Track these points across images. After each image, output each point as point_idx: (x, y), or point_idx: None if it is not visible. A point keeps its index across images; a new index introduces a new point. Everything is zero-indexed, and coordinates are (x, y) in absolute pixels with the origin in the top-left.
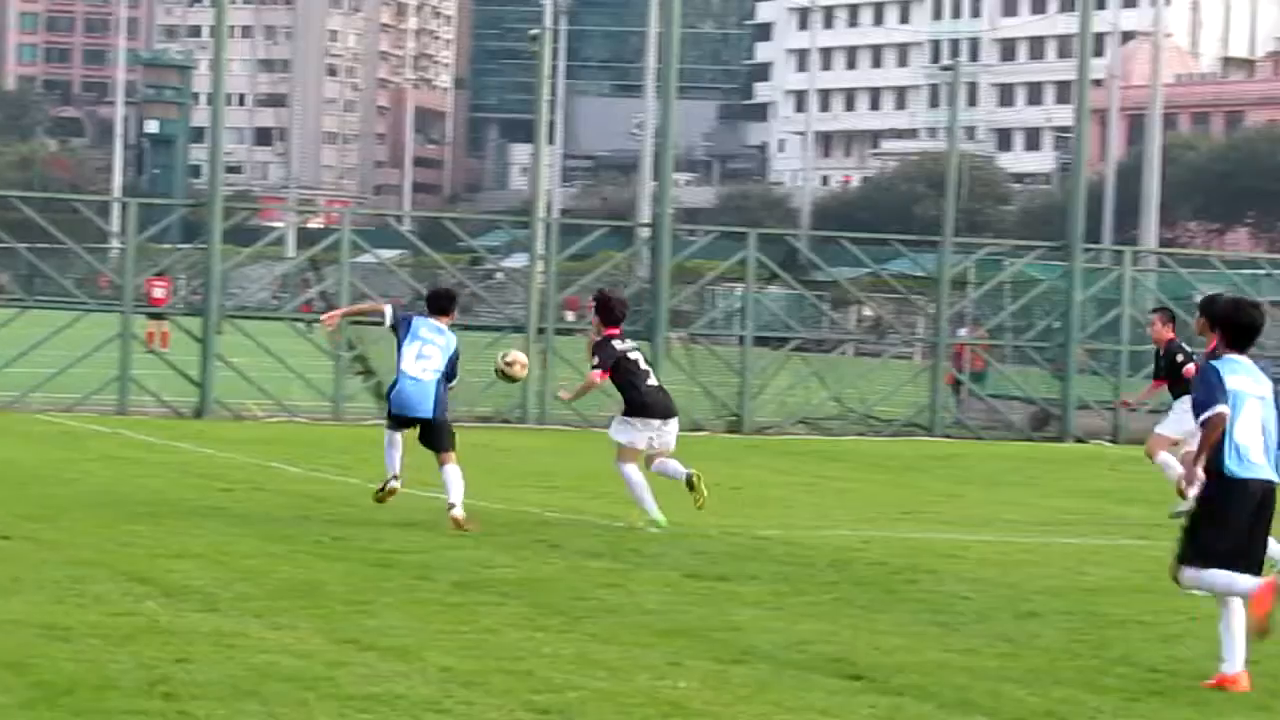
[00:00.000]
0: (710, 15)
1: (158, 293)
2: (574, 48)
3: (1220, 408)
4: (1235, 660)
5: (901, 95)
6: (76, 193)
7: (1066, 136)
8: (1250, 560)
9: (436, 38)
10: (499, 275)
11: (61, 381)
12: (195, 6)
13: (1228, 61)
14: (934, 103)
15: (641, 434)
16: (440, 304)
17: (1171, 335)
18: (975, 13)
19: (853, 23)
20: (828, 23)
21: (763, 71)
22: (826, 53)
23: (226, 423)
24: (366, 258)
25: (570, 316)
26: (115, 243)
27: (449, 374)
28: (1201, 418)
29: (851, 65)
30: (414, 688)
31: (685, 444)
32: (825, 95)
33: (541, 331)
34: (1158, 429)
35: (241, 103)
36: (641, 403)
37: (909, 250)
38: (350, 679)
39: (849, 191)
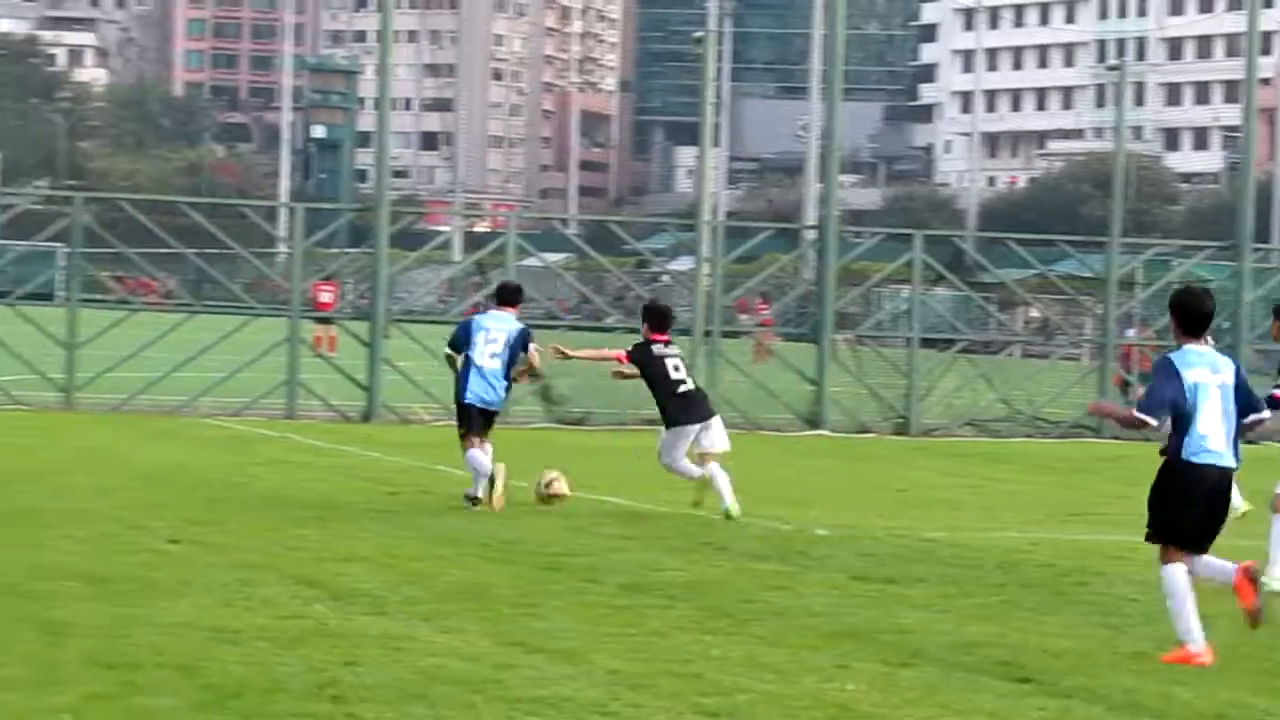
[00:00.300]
0: (875, 16)
1: (325, 297)
2: (739, 50)
3: (1151, 418)
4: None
5: (1068, 95)
6: (244, 198)
7: (1234, 136)
8: (1204, 540)
9: (601, 41)
10: (665, 278)
11: (230, 386)
12: (361, 12)
13: None
14: (1100, 103)
15: (682, 445)
16: (506, 296)
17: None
18: (1141, 12)
19: (1018, 23)
20: (993, 23)
21: (928, 72)
22: (992, 53)
23: (393, 426)
24: (532, 261)
25: (744, 319)
26: (282, 248)
27: (512, 359)
28: (1138, 412)
29: (1017, 66)
30: (581, 690)
31: (851, 446)
32: (991, 96)
33: (708, 334)
34: None
35: (407, 107)
36: (673, 413)
37: (1076, 251)
38: (518, 681)
39: (1015, 192)
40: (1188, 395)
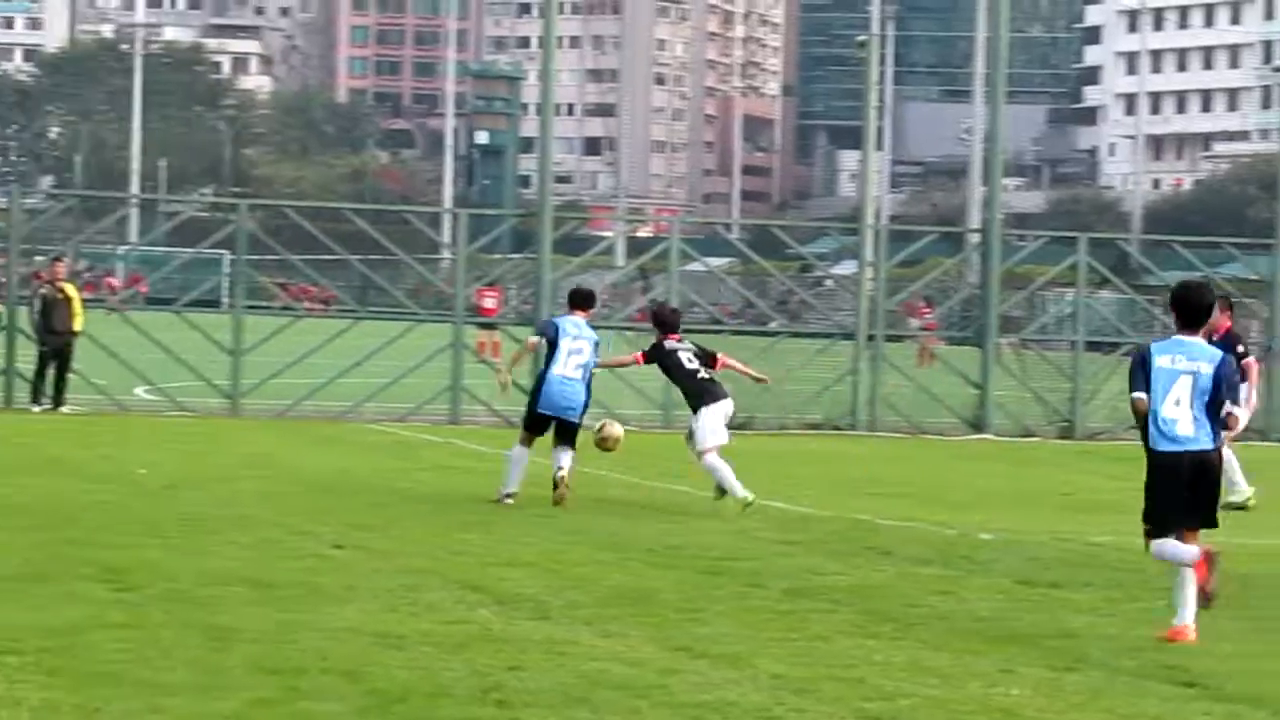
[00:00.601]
0: (1039, 19)
1: (488, 303)
2: (901, 53)
3: (1136, 395)
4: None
5: (1233, 97)
6: (407, 204)
7: None
8: (1190, 520)
9: (764, 45)
10: (828, 282)
11: (394, 392)
12: (524, 18)
13: None
14: (1266, 104)
15: (718, 423)
16: (581, 300)
17: (1230, 324)
18: None
19: (1183, 24)
20: (1157, 24)
21: (1092, 75)
22: (1156, 55)
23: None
24: (695, 266)
25: (914, 323)
26: (446, 253)
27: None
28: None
29: (1182, 67)
30: (745, 695)
31: (1016, 450)
32: (1156, 98)
33: (871, 338)
34: None
35: (570, 113)
36: (698, 397)
37: (1241, 253)
38: (682, 686)
39: (1180, 195)
40: (1151, 382)
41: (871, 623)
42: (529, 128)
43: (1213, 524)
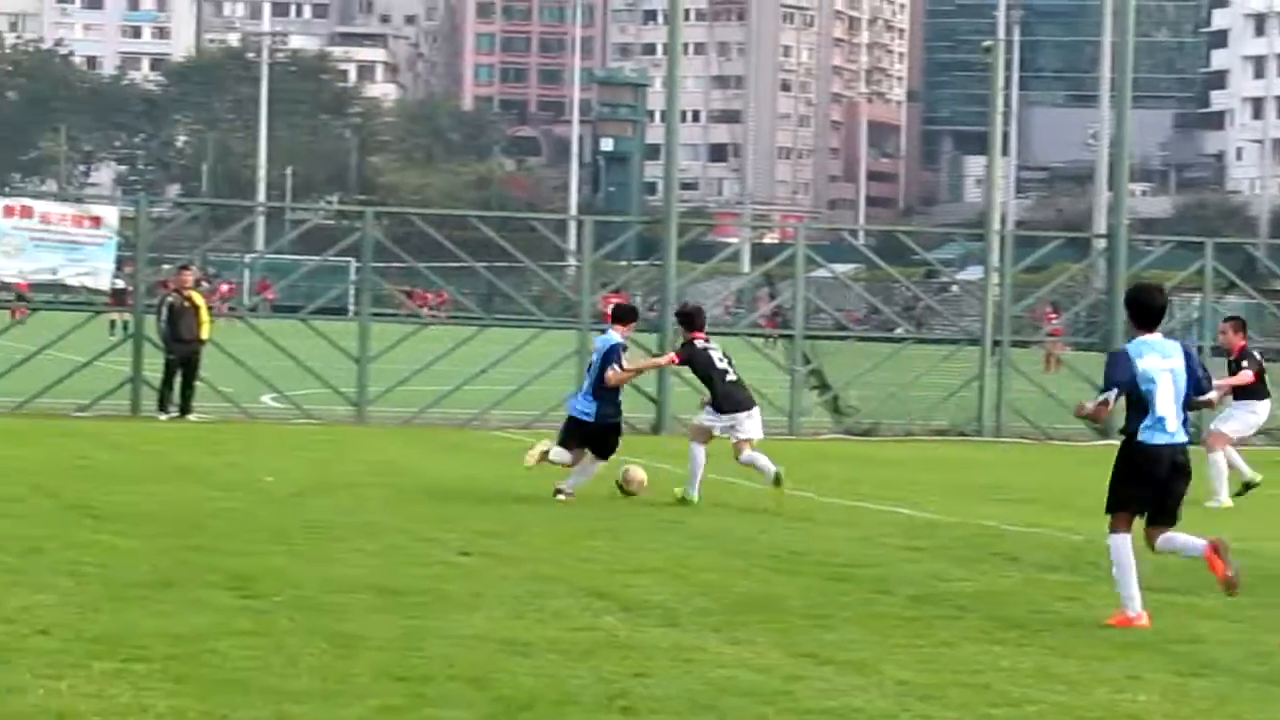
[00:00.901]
0: (1165, 23)
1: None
2: (1027, 58)
3: (1108, 394)
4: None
5: None
6: (533, 211)
7: None
8: (1162, 512)
9: (889, 51)
10: (954, 288)
11: (520, 399)
12: (649, 24)
13: None
14: None
15: (717, 423)
16: (616, 314)
17: (1244, 342)
18: None
19: None
20: (1266, 31)
21: (1219, 79)
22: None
23: (682, 438)
24: (821, 272)
25: (1041, 329)
26: (571, 261)
27: (599, 373)
28: (1102, 396)
29: None
30: (871, 701)
31: None
32: (1271, 102)
33: (997, 344)
34: (1220, 427)
35: (696, 119)
36: (722, 394)
37: None
38: (808, 693)
39: None
40: (1142, 381)
41: (998, 629)
42: (654, 134)
43: (1175, 521)
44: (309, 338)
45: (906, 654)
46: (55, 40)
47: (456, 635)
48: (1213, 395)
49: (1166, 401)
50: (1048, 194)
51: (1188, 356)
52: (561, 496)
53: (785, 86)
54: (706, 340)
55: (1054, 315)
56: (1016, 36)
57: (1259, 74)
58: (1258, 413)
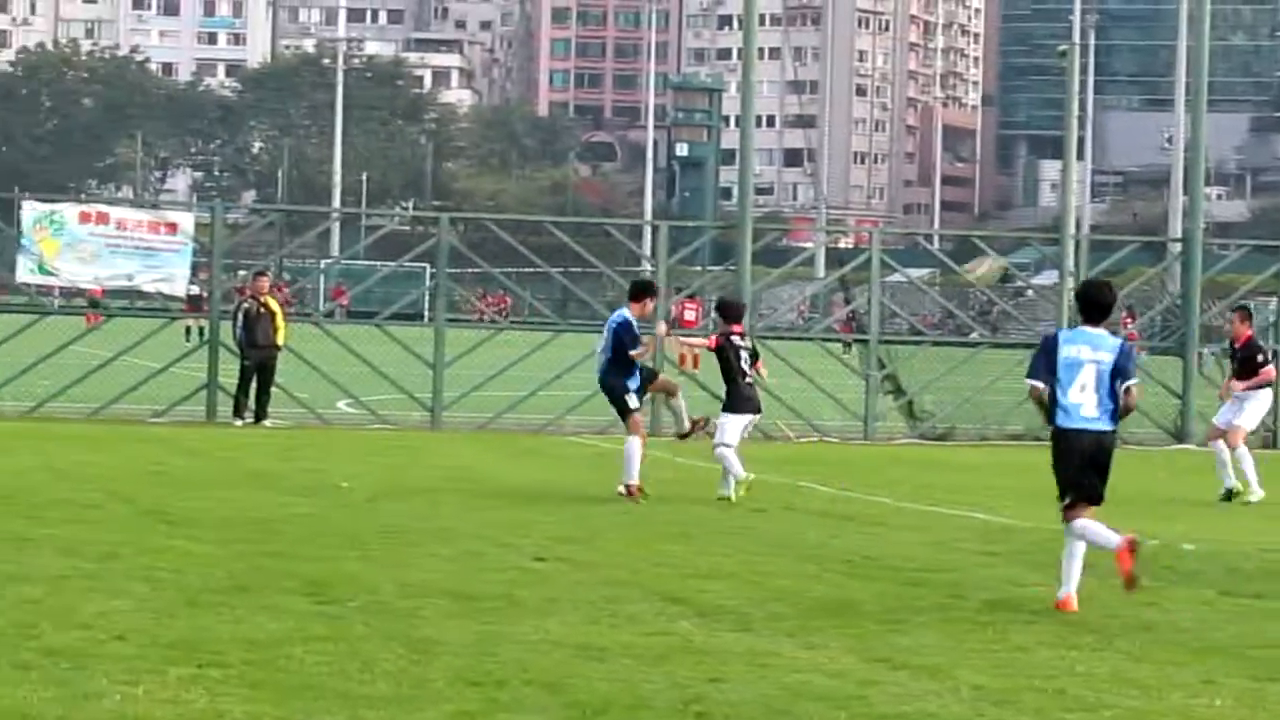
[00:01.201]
0: (1241, 27)
1: (689, 315)
2: (1102, 62)
3: (1032, 382)
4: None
5: None
6: (608, 217)
7: None
8: (1083, 492)
9: (964, 55)
10: (1029, 293)
11: (594, 404)
12: (724, 29)
13: None
14: None
15: (739, 431)
16: (631, 292)
17: (1250, 332)
18: None
19: None
20: None
21: None
22: None
23: (757, 443)
24: (896, 277)
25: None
26: (647, 266)
27: (616, 347)
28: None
29: None
30: (946, 706)
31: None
32: None
33: None
34: (1235, 421)
35: (770, 124)
36: (738, 396)
37: None
38: (882, 698)
39: None
40: (1060, 369)
41: (1073, 634)
42: (729, 140)
43: (1098, 501)
44: (384, 343)
45: (981, 659)
46: (131, 47)
47: (531, 640)
48: (1133, 386)
49: (1082, 390)
50: (1123, 198)
51: (1122, 353)
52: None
53: (860, 91)
54: (743, 336)
55: (1129, 319)
56: (1092, 40)
57: None
58: (1264, 402)
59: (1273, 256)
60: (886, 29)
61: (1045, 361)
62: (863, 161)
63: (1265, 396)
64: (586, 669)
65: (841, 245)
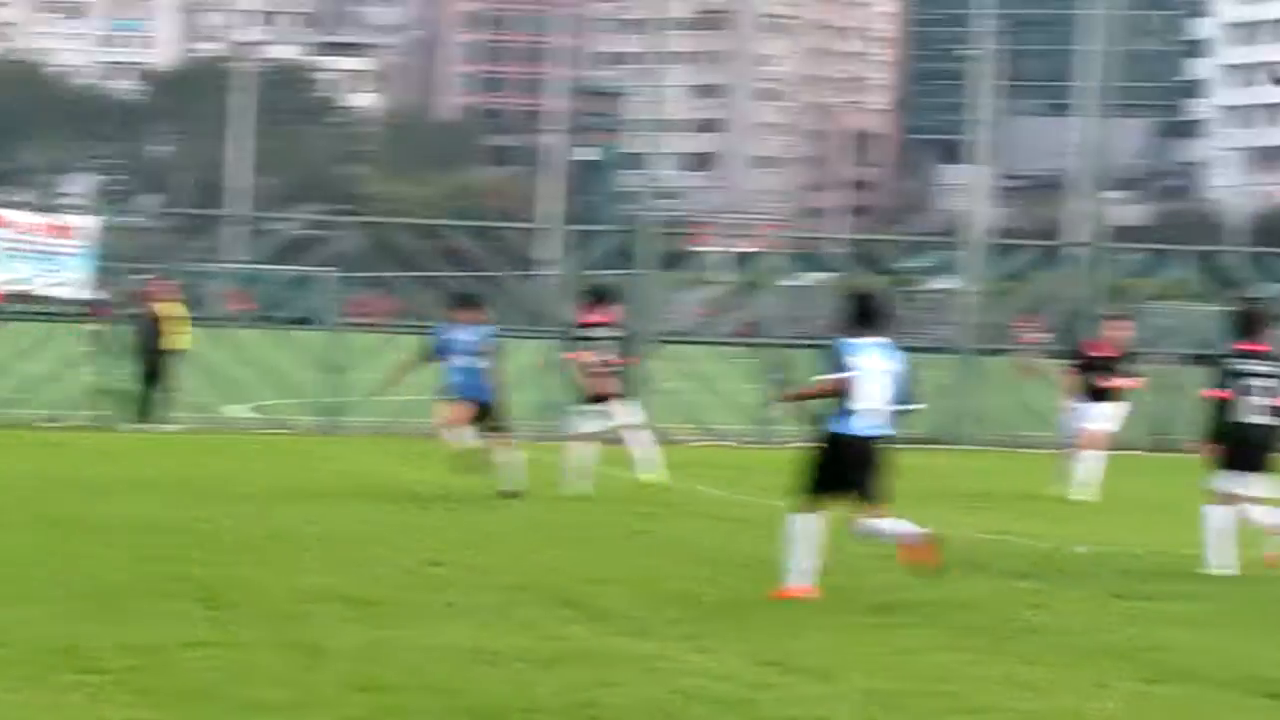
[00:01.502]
0: (1146, 32)
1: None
2: (1008, 67)
3: (834, 377)
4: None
5: None
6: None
7: None
8: (863, 498)
9: (872, 60)
10: (928, 296)
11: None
12: (631, 34)
13: None
14: None
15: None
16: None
17: (1120, 337)
18: None
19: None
20: (1262, 38)
21: (1197, 88)
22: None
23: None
24: (799, 281)
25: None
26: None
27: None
28: (823, 380)
29: None
30: (835, 709)
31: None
32: (1263, 111)
33: (972, 352)
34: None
35: (675, 128)
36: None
37: None
38: (772, 701)
39: None
40: (852, 375)
41: (964, 636)
42: (635, 144)
43: (875, 507)
44: (283, 347)
45: (872, 662)
46: (35, 49)
47: (425, 645)
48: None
49: (873, 397)
50: (1026, 203)
51: (903, 363)
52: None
53: (766, 96)
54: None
55: (1030, 324)
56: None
57: (1238, 83)
58: (1121, 406)
59: (1173, 261)
60: (792, 34)
61: (837, 366)
62: (768, 166)
63: (1120, 401)
64: (480, 674)
65: (744, 250)
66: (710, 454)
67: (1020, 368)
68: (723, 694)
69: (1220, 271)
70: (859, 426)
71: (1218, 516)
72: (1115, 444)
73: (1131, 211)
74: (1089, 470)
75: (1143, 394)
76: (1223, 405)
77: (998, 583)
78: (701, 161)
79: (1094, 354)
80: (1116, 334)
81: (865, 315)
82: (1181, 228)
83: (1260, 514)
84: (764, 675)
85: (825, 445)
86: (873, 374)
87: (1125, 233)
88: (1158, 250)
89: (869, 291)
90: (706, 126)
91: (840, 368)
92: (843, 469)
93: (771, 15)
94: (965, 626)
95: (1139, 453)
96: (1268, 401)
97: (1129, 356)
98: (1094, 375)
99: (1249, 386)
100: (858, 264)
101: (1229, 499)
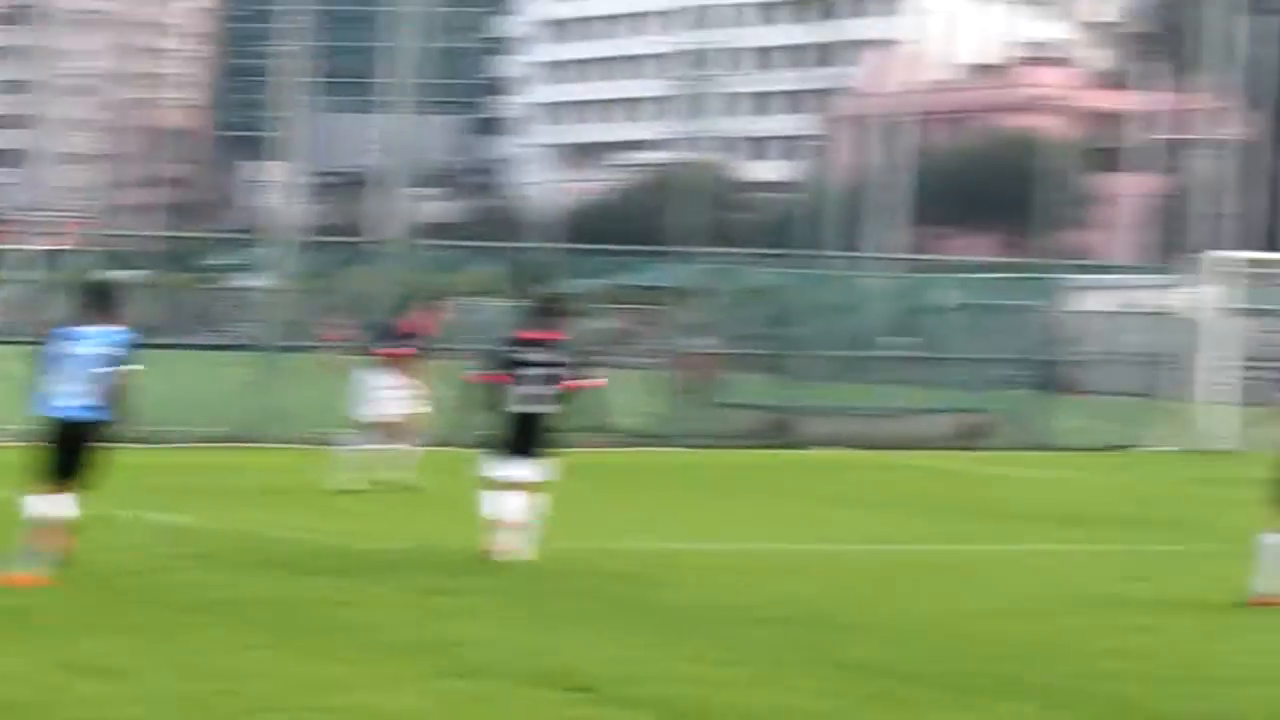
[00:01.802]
0: (457, 29)
1: None
2: (319, 63)
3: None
4: None
5: (644, 107)
6: None
7: (807, 145)
8: (66, 479)
9: (183, 57)
10: (247, 295)
11: None
12: None
13: (979, 69)
14: (681, 114)
15: None
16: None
17: (421, 325)
18: (731, 24)
19: (593, 37)
20: (571, 36)
21: (506, 86)
22: (581, 65)
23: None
24: (115, 276)
25: (327, 333)
26: None
27: None
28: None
29: (599, 78)
30: (129, 711)
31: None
32: (572, 108)
33: (277, 349)
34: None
35: None
36: None
37: (655, 262)
38: (68, 703)
39: (596, 204)
40: (52, 360)
41: (265, 635)
42: None
43: (86, 486)
44: None
45: (172, 661)
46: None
47: None
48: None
49: (69, 380)
50: (337, 199)
51: (118, 344)
52: None
53: (76, 91)
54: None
55: (337, 320)
56: (308, 42)
57: (545, 81)
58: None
59: (481, 256)
60: (104, 30)
61: (47, 357)
62: (79, 162)
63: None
64: None
65: (54, 248)
66: None
67: (325, 365)
68: (13, 698)
69: (529, 267)
70: (61, 411)
71: (493, 502)
72: (426, 438)
73: (440, 208)
74: (394, 457)
75: (443, 386)
76: (494, 390)
77: (302, 580)
78: (8, 158)
79: (403, 333)
80: (426, 319)
81: (93, 304)
82: (490, 224)
83: (516, 504)
84: (60, 678)
85: (47, 429)
86: (75, 357)
87: (435, 229)
88: (467, 247)
89: (101, 281)
90: (14, 123)
91: (44, 355)
92: (50, 450)
93: (80, 10)
94: (267, 625)
95: (452, 449)
96: (543, 390)
97: (434, 346)
98: (390, 347)
99: (524, 375)
100: (167, 262)
101: (503, 485)
